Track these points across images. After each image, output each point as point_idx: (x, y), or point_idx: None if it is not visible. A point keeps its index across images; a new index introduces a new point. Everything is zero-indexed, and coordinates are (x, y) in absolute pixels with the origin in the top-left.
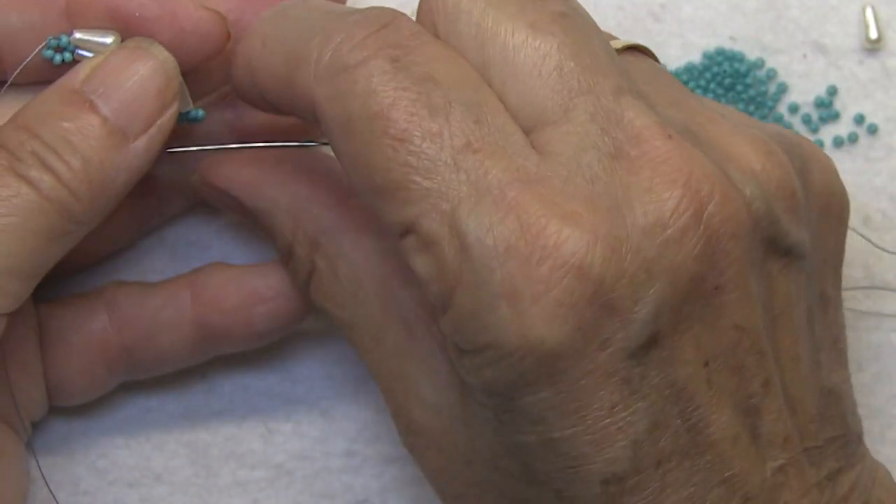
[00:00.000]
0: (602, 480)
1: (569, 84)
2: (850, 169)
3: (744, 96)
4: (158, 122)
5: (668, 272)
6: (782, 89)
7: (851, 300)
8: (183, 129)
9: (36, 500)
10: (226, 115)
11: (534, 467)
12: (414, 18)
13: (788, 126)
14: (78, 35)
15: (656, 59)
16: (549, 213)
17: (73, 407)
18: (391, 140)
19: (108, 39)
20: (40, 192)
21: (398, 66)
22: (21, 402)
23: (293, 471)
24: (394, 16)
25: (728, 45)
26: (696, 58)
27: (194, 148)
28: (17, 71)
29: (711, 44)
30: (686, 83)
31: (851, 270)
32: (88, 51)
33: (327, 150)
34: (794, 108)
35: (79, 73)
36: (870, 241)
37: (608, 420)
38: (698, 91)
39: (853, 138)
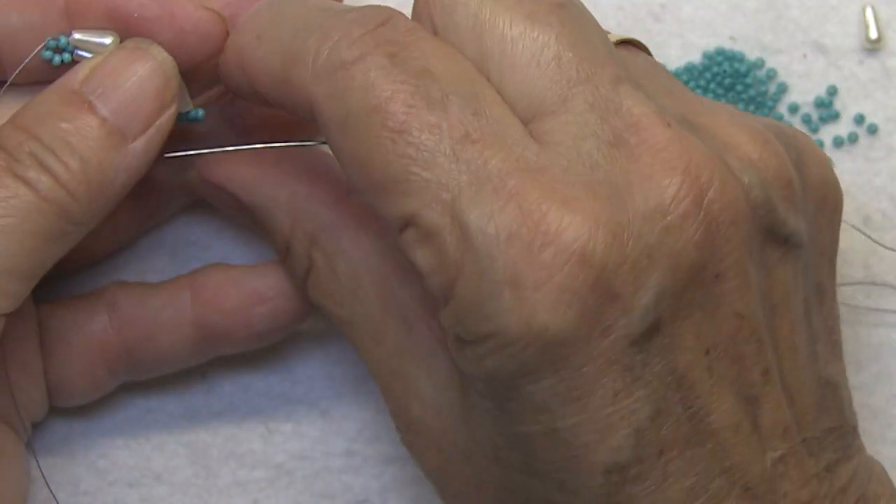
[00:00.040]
0: (605, 470)
1: (567, 74)
2: (850, 169)
3: (744, 96)
4: (157, 122)
5: (669, 258)
6: (782, 89)
7: (852, 299)
8: (182, 128)
9: (36, 501)
10: (224, 112)
11: (536, 458)
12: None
13: None
14: (77, 36)
15: (650, 54)
16: (550, 200)
17: (74, 407)
18: (390, 133)
19: (107, 40)
20: (38, 192)
21: (395, 62)
22: (21, 402)
23: (293, 471)
24: (390, 14)
25: (728, 45)
26: (696, 58)
27: (193, 152)
28: (17, 72)
29: (711, 44)
30: (686, 83)
31: (852, 269)
32: (87, 51)
33: (326, 149)
34: (794, 108)
35: (78, 74)
36: (869, 237)
37: (611, 408)
38: (698, 91)
39: (853, 138)
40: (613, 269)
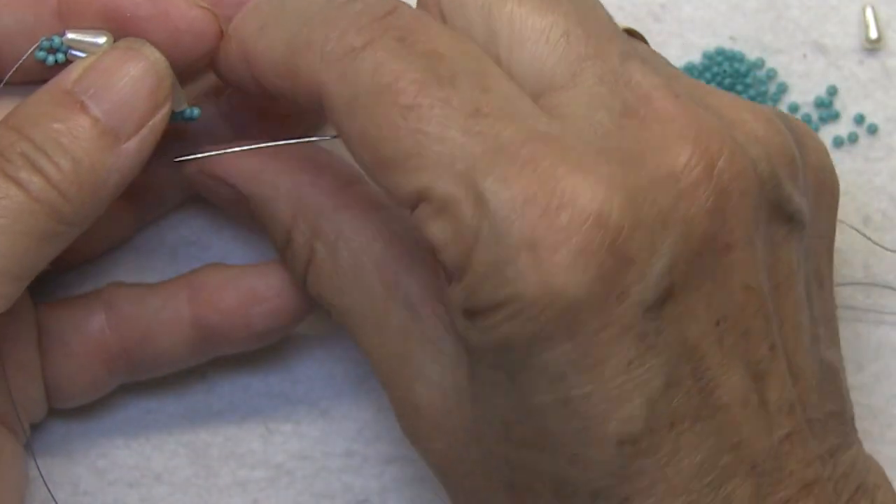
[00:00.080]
0: (618, 441)
1: (576, 49)
2: (850, 169)
3: (744, 96)
4: (150, 122)
5: (681, 224)
6: (782, 89)
7: (852, 299)
8: (177, 126)
9: (35, 501)
10: (220, 108)
11: (548, 431)
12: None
13: None
14: (70, 35)
15: (649, 46)
16: (565, 164)
17: (73, 407)
18: (400, 109)
19: (101, 40)
20: (30, 193)
21: (404, 45)
22: (20, 403)
23: (293, 471)
24: (396, 3)
25: (728, 45)
26: (696, 58)
27: (202, 155)
28: (10, 73)
29: (711, 44)
30: None
31: (851, 270)
32: (81, 51)
33: (326, 145)
34: (794, 108)
35: (70, 74)
36: (869, 238)
37: (624, 376)
38: None
39: (853, 138)
40: (629, 232)
